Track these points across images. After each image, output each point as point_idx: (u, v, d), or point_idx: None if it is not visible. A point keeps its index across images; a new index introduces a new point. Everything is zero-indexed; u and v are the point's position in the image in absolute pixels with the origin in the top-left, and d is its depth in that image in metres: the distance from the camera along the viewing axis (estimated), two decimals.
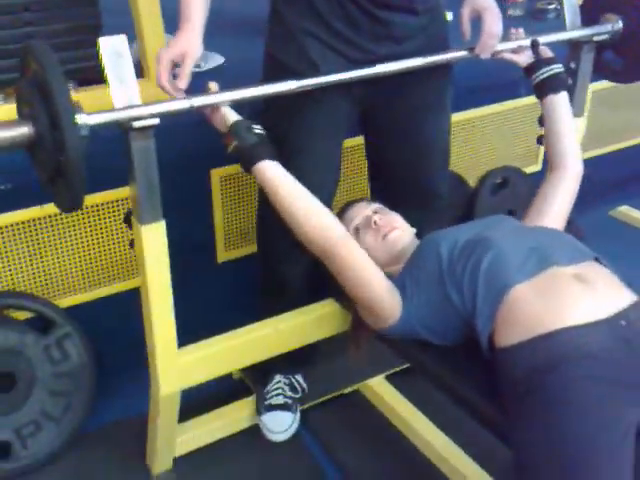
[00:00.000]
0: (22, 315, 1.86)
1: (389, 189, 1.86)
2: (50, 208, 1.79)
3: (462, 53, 1.67)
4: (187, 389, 1.66)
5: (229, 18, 2.90)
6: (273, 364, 1.88)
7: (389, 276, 1.52)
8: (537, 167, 2.82)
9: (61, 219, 1.85)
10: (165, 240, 1.39)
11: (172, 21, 1.93)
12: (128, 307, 1.92)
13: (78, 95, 1.79)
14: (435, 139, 1.79)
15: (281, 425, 1.92)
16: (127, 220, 1.40)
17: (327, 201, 1.66)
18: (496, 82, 2.49)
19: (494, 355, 1.35)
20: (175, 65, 1.37)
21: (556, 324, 1.25)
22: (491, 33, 1.60)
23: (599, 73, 2.00)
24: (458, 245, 1.44)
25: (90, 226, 1.90)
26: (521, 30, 1.75)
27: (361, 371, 2.09)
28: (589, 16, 1.89)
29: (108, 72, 1.21)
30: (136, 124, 1.22)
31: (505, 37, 1.69)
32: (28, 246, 1.84)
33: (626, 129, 3.02)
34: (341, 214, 1.71)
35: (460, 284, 1.38)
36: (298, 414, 1.96)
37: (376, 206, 1.69)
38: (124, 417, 2.01)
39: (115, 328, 1.99)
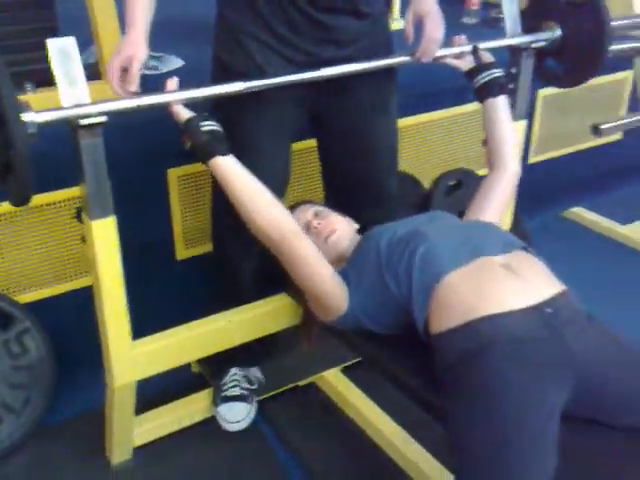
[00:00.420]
0: None
1: (340, 190, 1.92)
2: (7, 206, 1.83)
3: (404, 58, 1.73)
4: (146, 383, 1.71)
5: (190, 23, 2.97)
6: (230, 357, 1.94)
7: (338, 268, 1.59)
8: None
9: (20, 216, 1.89)
10: (116, 235, 1.44)
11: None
12: (87, 303, 1.97)
13: (35, 96, 1.85)
14: (381, 140, 1.86)
15: (237, 415, 1.98)
16: (78, 216, 1.45)
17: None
18: (451, 87, 2.59)
19: (430, 341, 1.41)
20: (125, 70, 1.43)
21: (484, 311, 1.32)
22: (431, 38, 1.67)
23: (542, 78, 2.09)
24: (395, 238, 1.51)
25: (50, 223, 1.95)
26: (464, 37, 1.81)
27: (317, 364, 2.16)
28: (530, 24, 1.96)
29: (56, 72, 1.26)
30: (83, 122, 1.28)
31: (449, 43, 1.77)
32: None
33: (577, 133, 3.11)
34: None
35: (397, 274, 1.45)
36: (254, 405, 2.03)
37: (316, 209, 1.74)
38: (85, 410, 2.05)
39: (75, 323, 2.02)
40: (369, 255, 1.53)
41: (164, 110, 1.47)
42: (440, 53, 1.74)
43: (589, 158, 3.25)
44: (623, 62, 2.93)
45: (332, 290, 1.53)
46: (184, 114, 1.47)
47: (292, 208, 1.77)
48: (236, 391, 2.00)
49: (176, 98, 1.45)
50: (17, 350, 1.88)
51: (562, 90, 2.78)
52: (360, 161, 1.85)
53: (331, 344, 1.85)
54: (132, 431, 1.88)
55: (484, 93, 1.78)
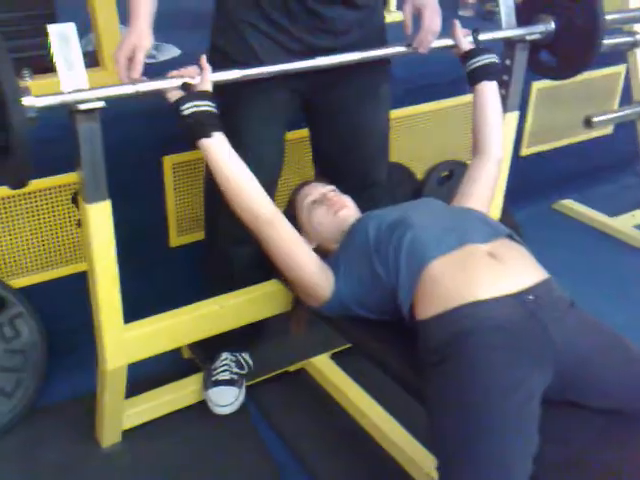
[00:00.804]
0: None
1: (330, 177, 1.93)
2: (2, 190, 1.84)
3: (401, 48, 1.75)
4: (138, 368, 1.72)
5: (187, 12, 2.98)
6: (221, 342, 1.96)
7: (331, 253, 1.62)
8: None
9: (15, 202, 1.90)
10: (110, 219, 1.46)
11: (127, 12, 2.01)
12: (80, 288, 1.98)
13: (33, 83, 1.85)
14: (371, 128, 1.88)
15: (226, 399, 1.99)
16: (74, 200, 1.47)
17: (270, 185, 1.75)
18: (444, 80, 2.61)
19: (414, 326, 1.44)
20: (130, 58, 1.45)
21: (466, 298, 1.35)
22: (430, 29, 1.68)
23: (536, 70, 2.11)
24: (384, 224, 1.53)
25: (44, 209, 1.96)
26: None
27: (306, 349, 2.18)
28: (525, 17, 1.99)
29: (56, 57, 1.28)
30: (82, 106, 1.29)
31: (450, 26, 1.79)
32: None
33: (569, 126, 3.14)
34: (298, 190, 1.79)
35: (385, 260, 1.48)
36: (244, 389, 2.04)
37: (332, 187, 1.77)
38: (76, 394, 2.06)
39: (68, 308, 2.04)
40: (358, 242, 1.55)
41: (160, 97, 1.48)
42: (436, 44, 1.75)
43: (580, 151, 3.28)
44: (616, 56, 2.95)
45: (314, 277, 1.55)
46: (172, 95, 1.47)
47: (306, 182, 1.79)
48: (226, 375, 2.02)
49: (173, 85, 1.46)
50: (10, 334, 1.89)
51: (556, 83, 2.80)
52: (348, 148, 1.88)
53: (321, 330, 1.88)
54: (122, 414, 1.89)
55: (479, 76, 1.80)
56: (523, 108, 2.84)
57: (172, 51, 2.54)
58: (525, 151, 3.08)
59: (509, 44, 1.97)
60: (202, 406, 2.02)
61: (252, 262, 1.91)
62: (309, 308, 1.67)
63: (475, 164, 1.78)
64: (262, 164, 1.57)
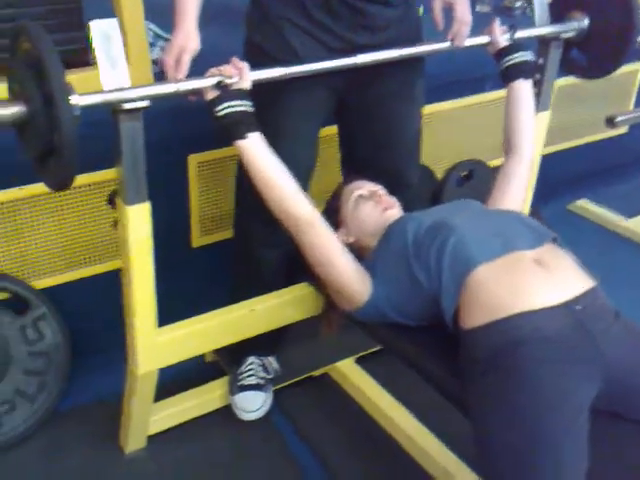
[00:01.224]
0: None
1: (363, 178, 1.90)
2: (29, 190, 1.80)
3: (440, 45, 1.72)
4: (160, 371, 1.68)
5: (210, 7, 2.92)
6: (247, 346, 1.91)
7: (368, 253, 1.58)
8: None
9: (39, 201, 1.85)
10: (149, 221, 1.42)
11: (152, 8, 1.97)
12: (104, 289, 1.95)
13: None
14: (404, 129, 1.85)
15: (253, 404, 1.96)
16: (111, 201, 1.42)
17: (303, 184, 1.70)
18: (465, 77, 2.57)
19: (458, 334, 1.40)
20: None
21: (515, 309, 1.31)
22: (462, 20, 1.68)
23: (566, 69, 2.07)
24: (423, 228, 1.49)
25: (68, 209, 1.91)
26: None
27: (333, 353, 2.14)
28: (556, 13, 1.95)
29: (98, 55, 1.23)
30: (126, 106, 1.25)
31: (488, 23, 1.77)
32: (6, 228, 1.84)
33: (585, 125, 3.11)
34: (347, 183, 1.76)
35: (427, 265, 1.44)
36: (270, 394, 2.01)
37: (381, 186, 1.74)
38: (98, 398, 2.03)
39: (91, 310, 2.01)
40: (395, 245, 1.52)
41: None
42: (472, 41, 1.75)
43: (595, 150, 3.25)
44: (632, 53, 2.92)
45: (351, 280, 1.53)
46: (209, 94, 1.43)
47: (357, 178, 1.76)
48: (252, 380, 1.98)
49: (212, 83, 1.42)
50: (33, 336, 1.85)
51: (574, 81, 2.76)
52: (379, 149, 1.85)
53: (346, 334, 1.84)
54: (149, 419, 1.85)
55: (514, 73, 1.78)
56: None
57: None
58: (543, 151, 3.04)
59: (543, 42, 1.94)
60: (225, 410, 1.99)
61: (281, 266, 1.89)
62: (344, 312, 1.63)
63: (509, 164, 1.75)
64: (299, 164, 1.53)
